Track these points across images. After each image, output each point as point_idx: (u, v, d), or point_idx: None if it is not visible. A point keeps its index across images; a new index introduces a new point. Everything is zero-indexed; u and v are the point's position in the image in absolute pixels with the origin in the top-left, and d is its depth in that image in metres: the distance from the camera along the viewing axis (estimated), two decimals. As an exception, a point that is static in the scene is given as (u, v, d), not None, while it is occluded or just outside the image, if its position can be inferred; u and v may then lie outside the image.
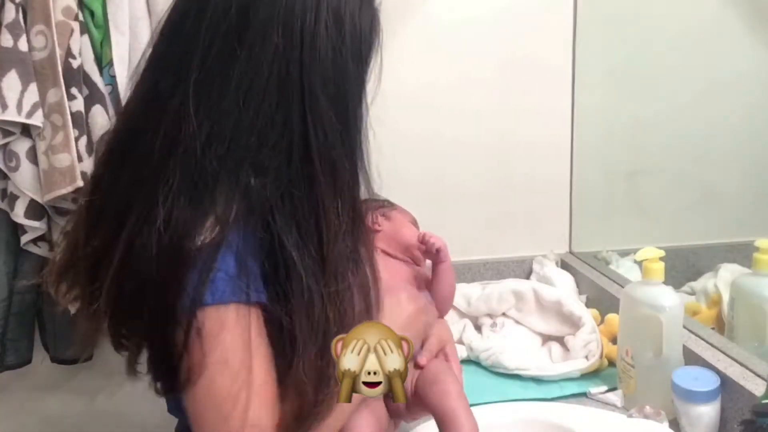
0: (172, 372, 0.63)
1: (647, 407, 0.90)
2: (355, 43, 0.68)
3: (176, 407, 0.77)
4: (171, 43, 0.68)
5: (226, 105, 0.63)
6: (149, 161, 0.64)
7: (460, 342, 1.24)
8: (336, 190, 0.66)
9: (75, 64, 1.16)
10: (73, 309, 0.76)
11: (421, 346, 0.88)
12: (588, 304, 1.28)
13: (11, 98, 1.11)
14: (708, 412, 0.90)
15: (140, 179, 0.64)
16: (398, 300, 0.82)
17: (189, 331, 0.60)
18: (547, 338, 1.24)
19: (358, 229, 0.69)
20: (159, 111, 0.65)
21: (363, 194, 0.72)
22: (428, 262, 1.06)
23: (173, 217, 0.61)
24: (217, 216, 0.61)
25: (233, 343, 0.62)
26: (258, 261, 0.64)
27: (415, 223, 1.12)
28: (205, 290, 0.60)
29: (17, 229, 1.21)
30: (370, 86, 0.73)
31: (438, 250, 1.01)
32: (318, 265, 0.65)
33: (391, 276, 0.97)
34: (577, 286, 1.41)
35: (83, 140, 1.17)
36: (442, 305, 1.04)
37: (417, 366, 0.87)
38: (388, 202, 1.10)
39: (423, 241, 1.02)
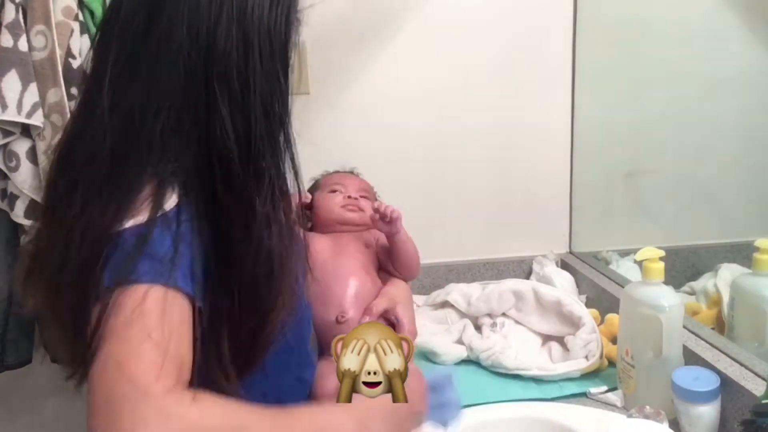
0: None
1: (647, 407, 0.90)
2: (263, 38, 0.67)
3: None
4: (96, 48, 0.70)
5: (133, 102, 0.65)
6: (79, 163, 0.66)
7: (460, 342, 1.24)
8: (227, 189, 0.65)
9: (75, 64, 1.16)
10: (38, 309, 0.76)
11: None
12: (588, 304, 1.28)
13: (11, 98, 1.11)
14: (708, 412, 0.90)
15: (73, 181, 0.65)
16: None
17: (104, 310, 0.58)
18: (547, 338, 1.24)
19: (280, 226, 0.68)
20: (87, 115, 0.67)
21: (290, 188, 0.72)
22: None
23: (93, 214, 0.62)
24: (141, 200, 0.62)
25: (149, 322, 0.58)
26: (191, 251, 0.63)
27: (341, 185, 1.13)
28: (125, 271, 0.59)
29: (17, 229, 1.21)
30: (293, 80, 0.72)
31: (393, 219, 1.04)
32: (244, 257, 0.66)
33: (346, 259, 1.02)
34: (577, 286, 1.41)
35: (83, 140, 1.17)
36: (407, 272, 1.07)
37: None
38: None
39: (376, 209, 1.04)
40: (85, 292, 0.61)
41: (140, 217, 0.61)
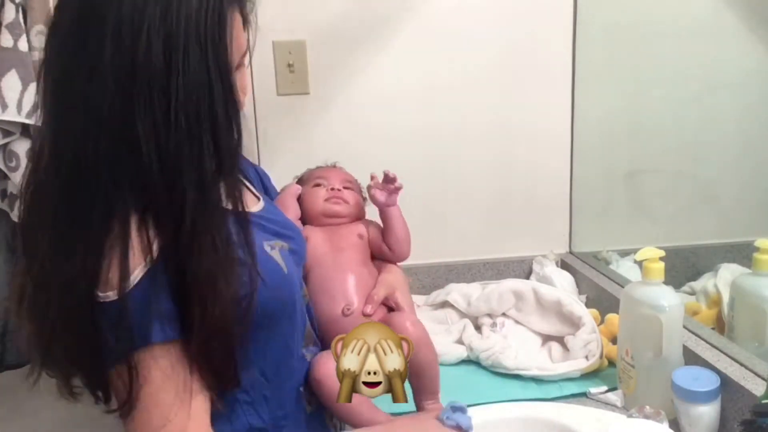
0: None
1: (647, 407, 0.90)
2: (191, 41, 0.63)
3: None
4: (44, 71, 0.67)
5: (74, 126, 0.62)
6: (44, 196, 0.65)
7: (460, 342, 1.24)
8: (180, 192, 0.63)
9: (75, 64, 1.16)
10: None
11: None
12: (588, 304, 1.28)
13: (11, 98, 1.11)
14: (708, 412, 0.90)
15: (42, 218, 0.65)
16: None
17: (131, 374, 0.63)
18: (547, 338, 1.24)
19: (221, 233, 0.66)
20: (36, 153, 0.66)
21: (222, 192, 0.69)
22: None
23: (71, 261, 0.61)
24: (114, 258, 0.61)
25: (161, 383, 0.64)
26: (166, 292, 0.63)
27: (324, 178, 1.14)
28: (143, 333, 0.62)
29: (17, 229, 1.21)
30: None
31: (397, 187, 1.05)
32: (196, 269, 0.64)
33: (339, 247, 1.03)
34: (577, 286, 1.41)
35: (83, 140, 1.17)
36: (399, 248, 1.07)
37: (365, 315, 0.93)
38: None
39: (386, 173, 1.05)
40: (72, 348, 0.64)
41: (136, 272, 0.61)
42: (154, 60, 0.61)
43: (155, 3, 0.62)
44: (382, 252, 1.06)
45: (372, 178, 1.07)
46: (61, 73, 0.64)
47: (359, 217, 1.11)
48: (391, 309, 0.98)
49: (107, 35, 0.61)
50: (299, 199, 1.08)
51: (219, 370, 0.68)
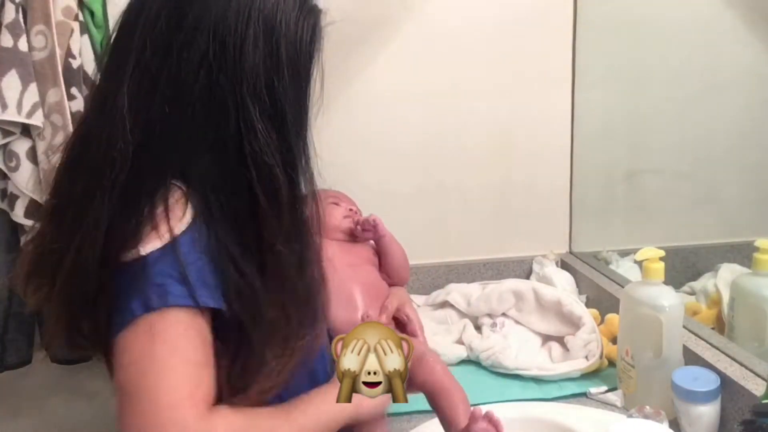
0: None
1: (647, 407, 0.90)
2: (290, 52, 0.67)
3: None
4: (114, 49, 0.69)
5: (155, 111, 0.64)
6: (95, 166, 0.64)
7: (460, 342, 1.24)
8: (272, 197, 0.65)
9: (75, 64, 1.16)
10: (40, 308, 0.76)
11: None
12: (588, 304, 1.28)
13: (11, 98, 1.11)
14: (708, 412, 0.90)
15: (90, 186, 0.64)
16: None
17: (138, 337, 0.61)
18: (547, 338, 1.24)
19: (301, 233, 0.68)
20: (104, 117, 0.66)
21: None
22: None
23: (113, 226, 0.62)
24: (155, 224, 0.62)
25: (188, 346, 0.62)
26: (210, 265, 0.64)
27: (339, 200, 1.18)
28: (156, 296, 0.61)
29: (17, 229, 1.21)
30: (317, 89, 0.73)
31: (375, 223, 1.10)
32: (260, 269, 0.65)
33: (353, 258, 1.08)
34: (577, 286, 1.41)
35: (83, 140, 1.17)
36: (399, 275, 1.13)
37: None
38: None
39: (357, 222, 1.11)
40: (97, 307, 0.63)
41: (158, 241, 0.61)
42: (259, 62, 0.64)
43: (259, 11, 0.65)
44: (383, 275, 1.10)
45: (354, 225, 1.13)
46: (149, 61, 0.64)
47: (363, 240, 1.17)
48: (400, 321, 1.02)
49: (207, 31, 0.63)
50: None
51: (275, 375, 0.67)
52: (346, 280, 1.03)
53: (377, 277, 1.08)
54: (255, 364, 0.66)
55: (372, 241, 1.16)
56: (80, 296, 0.65)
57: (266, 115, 0.65)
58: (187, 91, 0.64)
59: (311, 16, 0.70)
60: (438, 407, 0.83)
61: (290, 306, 0.67)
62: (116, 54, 0.68)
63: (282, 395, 0.73)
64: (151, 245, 0.61)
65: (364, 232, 1.13)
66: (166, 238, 0.61)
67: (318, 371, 0.79)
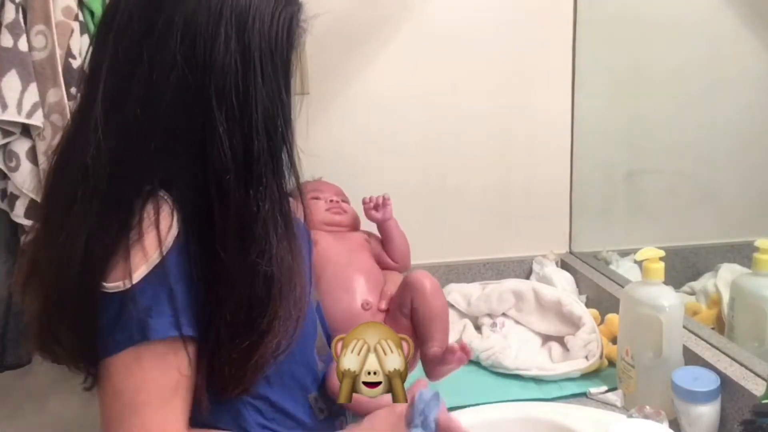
0: None
1: (647, 407, 0.90)
2: (264, 49, 0.64)
3: None
4: (92, 53, 0.68)
5: (128, 116, 0.62)
6: (73, 177, 0.64)
7: (460, 342, 1.24)
8: (223, 204, 0.63)
9: (75, 64, 1.16)
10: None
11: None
12: (588, 304, 1.28)
13: (11, 98, 1.11)
14: (708, 412, 0.90)
15: (69, 195, 0.64)
16: None
17: (123, 371, 0.62)
18: (547, 338, 1.24)
19: (280, 249, 0.67)
20: (82, 124, 0.65)
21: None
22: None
23: (92, 240, 0.61)
24: (141, 245, 0.61)
25: (172, 377, 0.63)
26: (187, 282, 0.63)
27: (319, 191, 1.18)
28: (137, 329, 0.61)
29: (17, 229, 1.21)
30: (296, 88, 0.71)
31: (386, 202, 1.12)
32: (247, 270, 0.65)
33: (347, 249, 1.09)
34: (577, 286, 1.41)
35: (83, 140, 1.17)
36: (402, 258, 1.14)
37: (380, 310, 0.99)
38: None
39: (369, 200, 1.13)
40: (79, 322, 0.63)
41: (144, 267, 0.61)
42: (229, 63, 0.62)
43: (230, 8, 0.63)
44: (383, 262, 1.10)
45: (364, 202, 1.14)
46: (121, 64, 0.63)
47: (357, 227, 1.17)
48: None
49: (177, 32, 0.62)
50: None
51: (239, 375, 0.67)
52: (343, 267, 1.03)
53: (373, 263, 1.09)
54: (217, 366, 0.66)
55: (364, 231, 1.17)
56: (61, 308, 0.64)
57: (232, 117, 0.63)
58: (158, 94, 0.62)
59: (287, 10, 0.67)
60: (420, 326, 0.89)
61: (242, 314, 0.65)
62: (93, 59, 0.67)
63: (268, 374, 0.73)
64: (138, 273, 0.60)
65: (372, 211, 1.13)
66: (153, 260, 0.61)
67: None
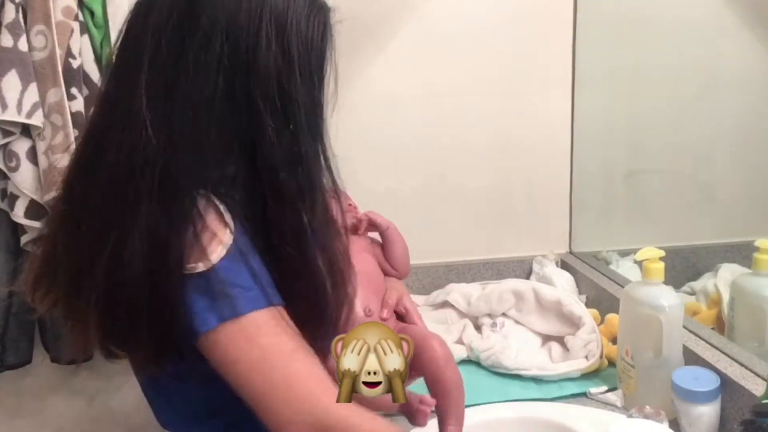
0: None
1: (647, 407, 0.90)
2: (302, 52, 0.67)
3: (169, 422, 0.77)
4: (124, 50, 0.68)
5: (178, 114, 0.63)
6: (117, 172, 0.63)
7: (460, 342, 1.24)
8: (277, 200, 0.65)
9: (75, 64, 1.16)
10: (48, 313, 0.75)
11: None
12: (588, 304, 1.28)
13: (11, 98, 1.11)
14: (708, 412, 0.90)
15: (113, 192, 0.63)
16: None
17: (222, 349, 0.62)
18: (547, 338, 1.24)
19: (327, 232, 0.69)
20: (119, 122, 0.65)
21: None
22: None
23: (156, 237, 0.61)
24: (212, 231, 0.62)
25: (269, 344, 0.63)
26: (263, 267, 0.64)
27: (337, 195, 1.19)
28: (229, 308, 0.61)
29: (17, 229, 1.21)
30: (331, 89, 0.73)
31: (371, 220, 1.10)
32: (300, 264, 0.66)
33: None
34: (577, 286, 1.41)
35: (83, 140, 1.17)
36: (403, 265, 1.12)
37: (382, 319, 0.97)
38: None
39: (361, 219, 1.11)
40: (142, 317, 0.62)
41: (222, 248, 0.61)
42: (271, 64, 0.64)
43: (270, 13, 0.64)
44: (383, 268, 1.11)
45: (359, 221, 1.12)
46: (164, 59, 0.64)
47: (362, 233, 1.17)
48: (399, 314, 1.01)
49: (221, 33, 0.63)
50: None
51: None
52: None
53: (375, 267, 1.09)
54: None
55: (367, 236, 1.16)
56: (124, 307, 0.63)
57: (277, 117, 0.65)
58: (207, 95, 0.63)
59: (321, 14, 0.70)
60: (433, 396, 0.84)
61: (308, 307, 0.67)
62: (127, 56, 0.67)
63: None
64: (217, 254, 0.61)
65: (367, 230, 1.13)
66: (227, 242, 0.62)
67: None
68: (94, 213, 0.64)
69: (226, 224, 0.63)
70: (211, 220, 0.62)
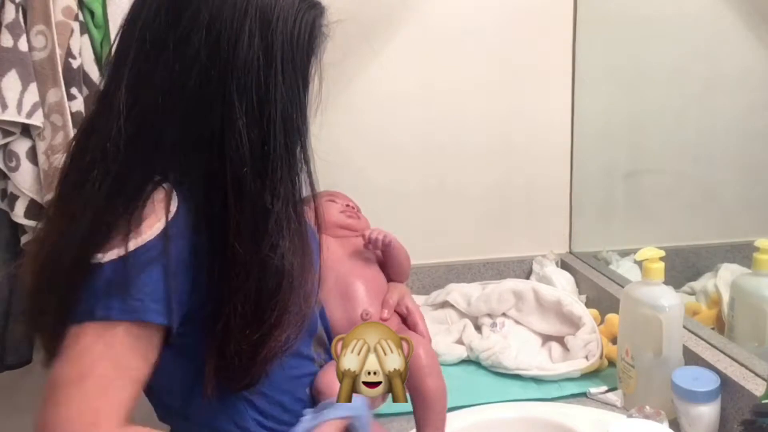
0: None
1: (647, 407, 0.90)
2: (285, 49, 0.66)
3: (167, 415, 0.77)
4: (118, 44, 0.69)
5: (149, 104, 0.64)
6: (91, 159, 0.65)
7: (460, 342, 1.24)
8: (239, 200, 0.64)
9: (75, 64, 1.16)
10: None
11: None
12: (588, 304, 1.28)
13: (11, 98, 1.11)
14: (708, 412, 0.90)
15: (84, 176, 0.64)
16: None
17: (74, 341, 0.61)
18: (547, 338, 1.24)
19: (292, 243, 0.67)
20: (105, 111, 0.66)
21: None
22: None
23: (96, 219, 0.62)
24: (127, 229, 0.61)
25: (95, 360, 0.61)
26: (184, 272, 0.63)
27: (335, 197, 1.18)
28: (99, 306, 0.60)
29: (17, 229, 1.21)
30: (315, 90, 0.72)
31: (389, 244, 1.06)
32: (259, 262, 0.65)
33: (346, 253, 1.06)
34: (577, 286, 1.41)
35: (83, 140, 1.17)
36: (401, 276, 1.11)
37: (383, 320, 0.96)
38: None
39: (369, 240, 1.07)
40: (64, 306, 0.62)
41: (121, 249, 0.61)
42: (251, 60, 0.64)
43: (255, 9, 0.64)
44: (384, 271, 1.10)
45: (367, 240, 1.09)
46: (147, 52, 0.65)
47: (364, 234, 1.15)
48: (401, 315, 1.02)
49: (202, 26, 0.63)
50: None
51: (247, 368, 0.67)
52: (345, 275, 1.02)
53: (376, 269, 1.07)
54: (225, 359, 0.66)
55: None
56: (53, 281, 0.64)
57: (251, 112, 0.64)
58: (179, 85, 0.64)
59: (311, 12, 0.69)
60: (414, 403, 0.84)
61: (252, 306, 0.66)
62: (119, 50, 0.68)
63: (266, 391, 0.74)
64: (111, 253, 0.61)
65: (375, 249, 1.10)
66: (129, 246, 0.61)
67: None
68: (68, 195, 0.66)
69: (150, 223, 0.62)
70: (150, 211, 0.62)
